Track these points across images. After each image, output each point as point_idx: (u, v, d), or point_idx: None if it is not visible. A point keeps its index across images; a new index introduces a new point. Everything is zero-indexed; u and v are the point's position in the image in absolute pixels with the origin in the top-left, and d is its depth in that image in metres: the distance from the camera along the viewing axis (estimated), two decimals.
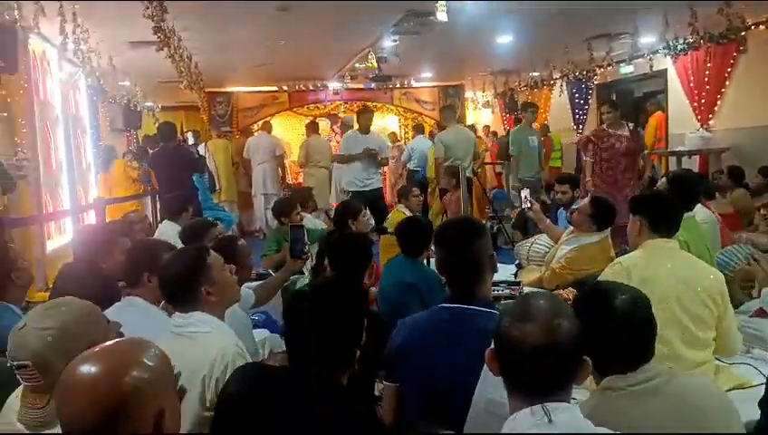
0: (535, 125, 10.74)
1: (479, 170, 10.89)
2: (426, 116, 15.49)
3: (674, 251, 3.29)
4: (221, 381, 2.38)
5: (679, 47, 9.40)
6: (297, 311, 2.21)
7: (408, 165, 12.19)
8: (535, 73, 13.63)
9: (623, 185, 7.24)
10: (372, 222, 6.42)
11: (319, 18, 7.68)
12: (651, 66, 10.35)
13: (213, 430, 2.24)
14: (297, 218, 5.79)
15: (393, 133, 15.51)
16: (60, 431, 1.67)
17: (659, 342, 2.12)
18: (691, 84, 10.33)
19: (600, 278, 3.16)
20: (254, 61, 10.90)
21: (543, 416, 1.67)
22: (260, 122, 14.28)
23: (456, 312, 2.49)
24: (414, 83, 15.18)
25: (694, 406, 2.01)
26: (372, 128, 9.45)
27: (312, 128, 12.63)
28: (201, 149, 11.82)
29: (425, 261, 4.34)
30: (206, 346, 2.50)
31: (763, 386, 2.36)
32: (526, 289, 4.70)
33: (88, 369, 1.48)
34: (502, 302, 4.09)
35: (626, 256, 3.44)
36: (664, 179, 5.01)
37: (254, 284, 4.29)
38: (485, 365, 1.87)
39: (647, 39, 9.83)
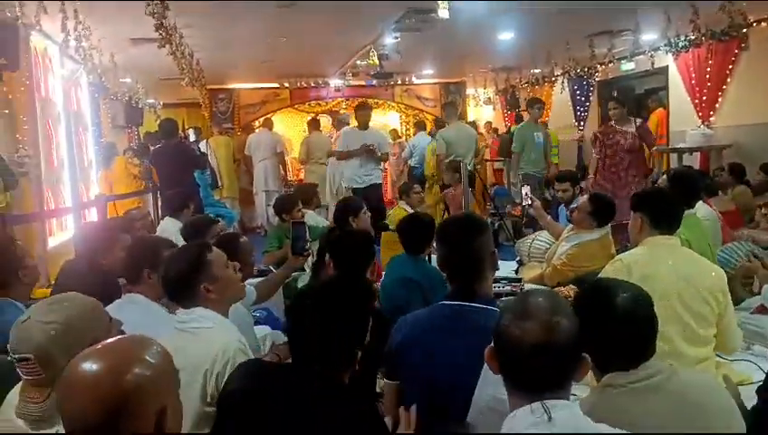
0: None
1: (479, 167, 10.88)
2: (427, 113, 15.49)
3: (675, 248, 3.29)
4: (222, 377, 2.39)
5: (681, 44, 9.40)
6: (300, 308, 2.21)
7: (409, 162, 12.19)
8: (536, 70, 13.62)
9: (626, 183, 7.16)
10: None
11: (320, 15, 7.67)
12: (653, 63, 10.33)
13: (215, 427, 2.25)
14: (298, 215, 5.80)
15: (394, 130, 15.51)
16: (60, 428, 1.68)
17: (660, 339, 2.12)
18: (692, 81, 10.31)
19: (600, 275, 3.17)
20: (255, 58, 10.90)
21: (543, 413, 1.67)
22: (261, 119, 14.28)
23: (457, 309, 2.50)
24: (415, 80, 15.17)
25: (694, 403, 2.01)
26: (373, 124, 9.43)
27: (314, 125, 12.64)
28: (202, 145, 11.83)
29: (426, 258, 4.35)
30: (208, 342, 2.51)
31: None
32: (527, 286, 4.71)
33: (90, 366, 1.49)
34: (503, 299, 4.09)
35: (627, 253, 3.44)
36: (665, 177, 5.02)
37: (256, 280, 4.29)
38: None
39: (648, 36, 9.82)
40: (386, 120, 16.18)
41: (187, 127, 13.57)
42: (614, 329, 2.04)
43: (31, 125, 6.64)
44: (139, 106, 12.41)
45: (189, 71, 9.35)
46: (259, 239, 9.71)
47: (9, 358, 2.02)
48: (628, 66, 11.61)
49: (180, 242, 3.96)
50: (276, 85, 14.64)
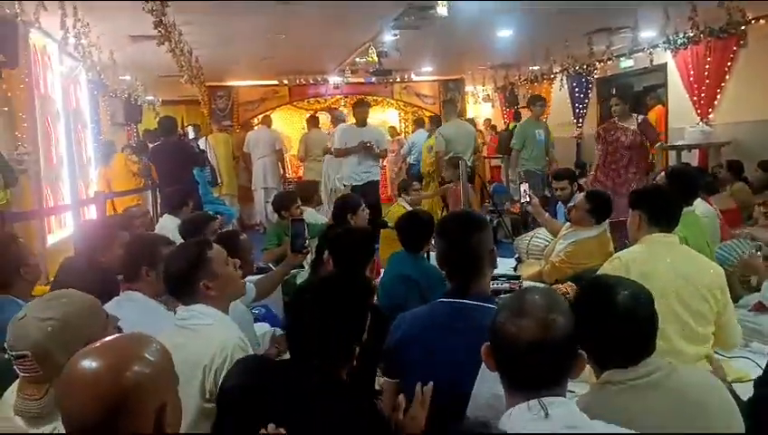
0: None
1: (477, 163, 10.88)
2: (426, 110, 15.49)
3: (673, 245, 3.29)
4: (220, 373, 2.40)
5: (679, 41, 9.38)
6: (299, 303, 2.22)
7: (407, 159, 12.19)
8: (535, 67, 13.61)
9: (626, 180, 7.09)
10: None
11: (319, 12, 7.67)
12: (651, 60, 10.31)
13: (216, 424, 2.26)
14: (297, 212, 5.80)
15: (392, 127, 15.51)
16: (58, 425, 1.68)
17: (659, 337, 2.12)
18: (691, 78, 10.31)
19: (599, 273, 3.17)
20: (254, 55, 10.88)
21: (540, 410, 1.68)
22: (260, 116, 14.29)
23: (457, 306, 2.49)
24: (414, 77, 15.15)
25: (694, 402, 2.01)
26: (372, 122, 9.42)
27: (313, 122, 12.64)
28: (202, 143, 11.84)
29: (425, 255, 4.35)
30: (207, 338, 2.52)
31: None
32: (526, 283, 4.72)
33: (89, 364, 1.49)
34: (501, 296, 4.09)
35: (625, 251, 3.43)
36: (663, 174, 5.02)
37: (255, 278, 4.30)
38: None
39: (647, 33, 9.82)
40: (385, 117, 16.17)
41: (186, 124, 13.53)
42: (615, 326, 2.03)
43: (30, 123, 6.63)
44: (138, 103, 12.40)
45: (188, 68, 9.35)
46: (258, 237, 9.72)
47: (6, 356, 2.02)
48: (626, 63, 11.59)
49: (179, 239, 3.97)
50: (275, 82, 14.63)
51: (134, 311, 2.94)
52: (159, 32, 6.55)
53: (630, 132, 7.08)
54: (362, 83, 14.65)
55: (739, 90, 9.58)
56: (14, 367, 2.00)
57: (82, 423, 1.45)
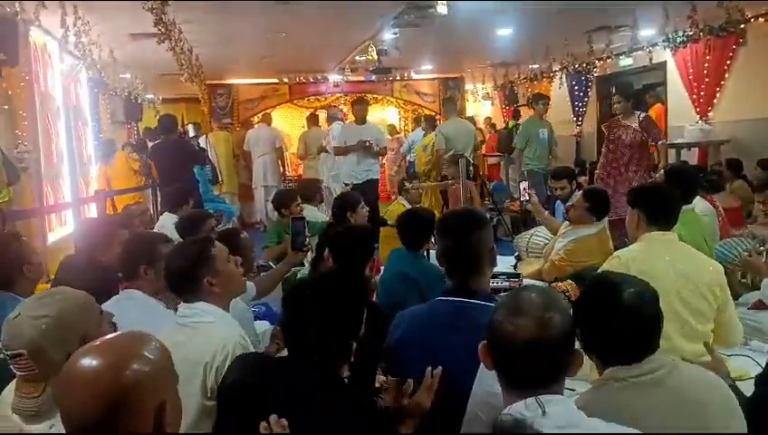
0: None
1: (475, 162, 10.88)
2: (426, 108, 15.48)
3: (672, 244, 3.30)
4: (221, 370, 2.41)
5: (679, 40, 9.37)
6: (297, 299, 2.23)
7: (407, 157, 12.19)
8: (535, 66, 13.59)
9: (626, 178, 7.04)
10: None
11: (319, 11, 7.67)
12: (651, 59, 10.32)
13: (218, 422, 2.27)
14: (297, 210, 5.80)
15: (392, 125, 15.50)
16: (55, 422, 1.69)
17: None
18: (690, 77, 10.31)
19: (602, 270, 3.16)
20: (254, 53, 10.89)
21: (537, 408, 1.68)
22: (260, 115, 14.30)
23: (457, 305, 2.49)
24: (414, 76, 15.15)
25: (694, 399, 2.01)
26: (371, 120, 9.41)
27: (312, 120, 12.65)
28: (202, 141, 11.82)
29: (425, 253, 4.35)
30: (208, 336, 2.52)
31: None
32: (526, 281, 4.72)
33: (89, 362, 1.49)
34: (501, 294, 4.09)
35: (624, 249, 3.44)
36: (662, 172, 5.03)
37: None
38: None
39: (646, 32, 9.81)
40: (384, 115, 16.17)
41: (186, 122, 13.56)
42: (620, 323, 2.03)
43: (30, 121, 6.64)
44: (139, 101, 12.39)
45: (189, 66, 9.35)
46: (258, 235, 9.71)
47: (2, 355, 2.03)
48: (626, 62, 11.59)
49: (177, 238, 3.97)
50: (275, 81, 14.65)
51: (133, 309, 2.94)
52: (159, 30, 6.56)
53: (632, 130, 7.06)
54: (362, 81, 14.66)
55: (738, 88, 9.58)
56: (10, 366, 2.00)
57: (82, 422, 1.45)
